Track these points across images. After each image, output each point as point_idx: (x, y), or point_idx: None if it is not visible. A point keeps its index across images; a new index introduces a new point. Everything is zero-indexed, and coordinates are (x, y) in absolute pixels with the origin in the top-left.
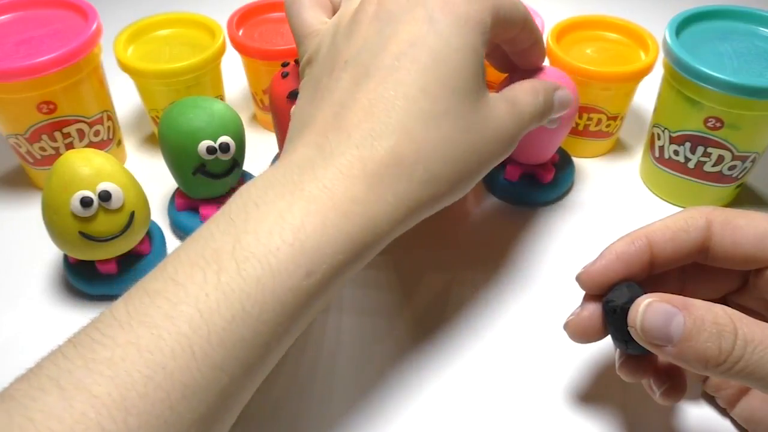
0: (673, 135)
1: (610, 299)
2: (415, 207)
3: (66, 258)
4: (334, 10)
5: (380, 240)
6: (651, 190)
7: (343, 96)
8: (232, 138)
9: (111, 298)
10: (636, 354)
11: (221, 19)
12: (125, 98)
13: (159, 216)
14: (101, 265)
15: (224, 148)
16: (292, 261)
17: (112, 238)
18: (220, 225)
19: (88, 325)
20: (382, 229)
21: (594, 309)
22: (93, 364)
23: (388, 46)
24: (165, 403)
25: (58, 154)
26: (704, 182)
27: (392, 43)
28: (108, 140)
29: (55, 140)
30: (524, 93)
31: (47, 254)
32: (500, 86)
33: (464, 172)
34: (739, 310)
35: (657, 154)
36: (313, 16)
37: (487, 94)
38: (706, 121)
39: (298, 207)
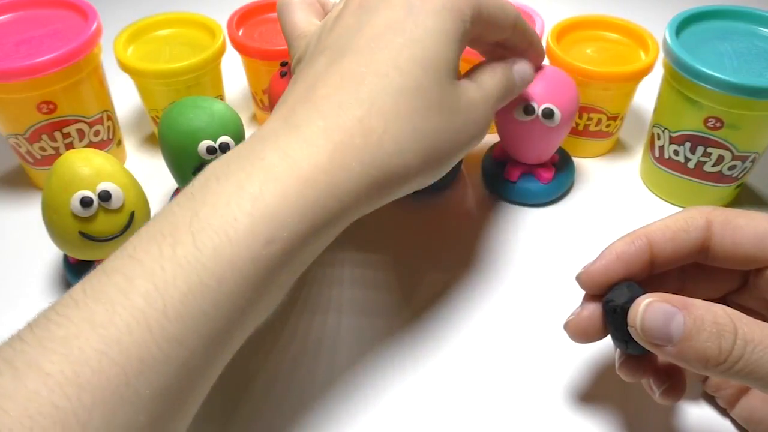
0: (673, 135)
1: (610, 299)
2: (382, 178)
3: (66, 258)
4: (325, 13)
5: (346, 210)
6: (651, 190)
7: (316, 75)
8: (232, 138)
9: None
10: (636, 354)
11: (221, 19)
12: (125, 98)
13: None
14: None
15: (224, 148)
16: (250, 230)
17: (112, 238)
18: (181, 201)
19: (47, 308)
20: (348, 197)
21: (594, 309)
22: (47, 342)
23: (365, 30)
24: (120, 379)
25: (58, 154)
26: (704, 182)
27: (369, 27)
28: (108, 140)
29: (55, 140)
30: (485, 73)
31: (47, 254)
32: None
33: (437, 150)
34: (739, 310)
35: (657, 154)
36: (303, 18)
37: (457, 80)
38: (706, 121)
39: (257, 176)
